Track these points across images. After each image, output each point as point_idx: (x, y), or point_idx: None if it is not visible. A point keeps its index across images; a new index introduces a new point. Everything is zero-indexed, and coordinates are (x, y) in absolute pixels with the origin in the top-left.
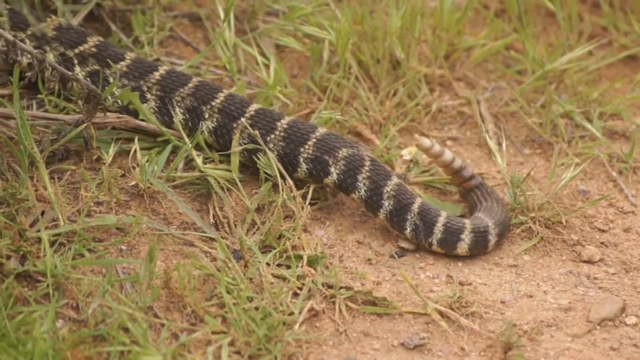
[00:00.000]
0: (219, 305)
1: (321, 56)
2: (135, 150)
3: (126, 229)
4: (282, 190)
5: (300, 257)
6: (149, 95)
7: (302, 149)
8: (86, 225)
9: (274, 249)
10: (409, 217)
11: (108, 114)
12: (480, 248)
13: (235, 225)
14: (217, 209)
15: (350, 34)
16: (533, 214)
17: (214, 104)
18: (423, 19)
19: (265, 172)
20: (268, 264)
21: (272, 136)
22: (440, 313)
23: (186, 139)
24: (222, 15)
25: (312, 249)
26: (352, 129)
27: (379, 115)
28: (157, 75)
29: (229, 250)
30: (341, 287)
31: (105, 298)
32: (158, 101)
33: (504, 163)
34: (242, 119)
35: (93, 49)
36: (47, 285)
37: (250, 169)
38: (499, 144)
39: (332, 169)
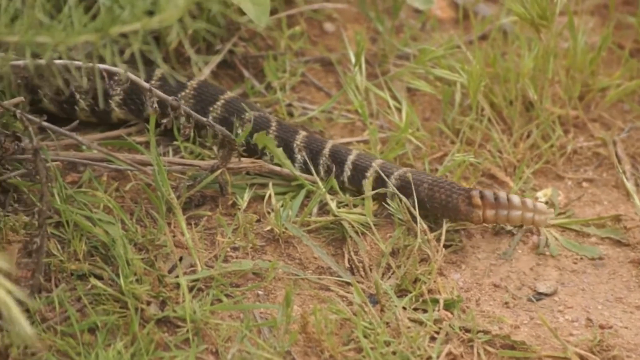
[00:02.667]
0: (356, 349)
1: (453, 99)
2: (269, 195)
3: (263, 274)
4: (419, 234)
5: (436, 301)
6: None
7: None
8: (223, 271)
9: (410, 292)
10: (322, 161)
11: (242, 159)
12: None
13: (371, 270)
14: (352, 253)
15: (482, 76)
16: None
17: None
18: (556, 59)
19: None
20: (404, 308)
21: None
22: (581, 357)
23: (320, 184)
24: (353, 59)
25: (448, 293)
26: (485, 171)
27: (513, 157)
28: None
29: (365, 294)
30: (479, 331)
31: (244, 343)
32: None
33: None
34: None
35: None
36: (187, 331)
37: (384, 212)
38: (637, 185)
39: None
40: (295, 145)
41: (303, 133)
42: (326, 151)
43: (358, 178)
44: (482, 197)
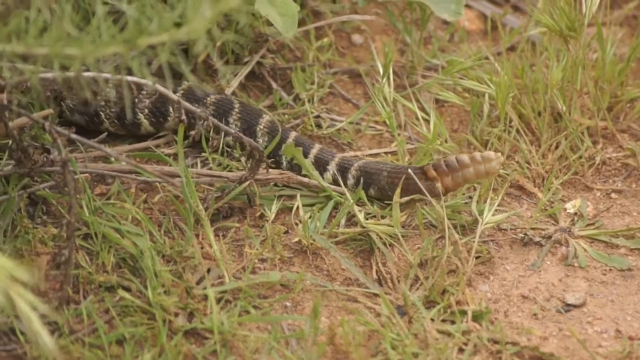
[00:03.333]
0: None
1: (481, 110)
2: (297, 207)
3: (290, 286)
4: (447, 245)
5: (464, 313)
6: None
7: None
8: (251, 282)
9: (438, 304)
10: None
11: (270, 170)
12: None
13: (399, 281)
14: (379, 264)
15: (511, 87)
16: None
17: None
18: (585, 70)
19: (433, 225)
20: (432, 320)
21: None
22: None
23: (348, 195)
24: (381, 71)
25: (476, 304)
26: (514, 183)
27: (541, 168)
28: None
29: (393, 305)
30: (507, 343)
31: (272, 355)
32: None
33: None
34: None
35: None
36: (215, 342)
37: (412, 223)
38: None
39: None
40: (258, 129)
41: (267, 117)
42: (290, 141)
43: (320, 171)
44: (435, 168)
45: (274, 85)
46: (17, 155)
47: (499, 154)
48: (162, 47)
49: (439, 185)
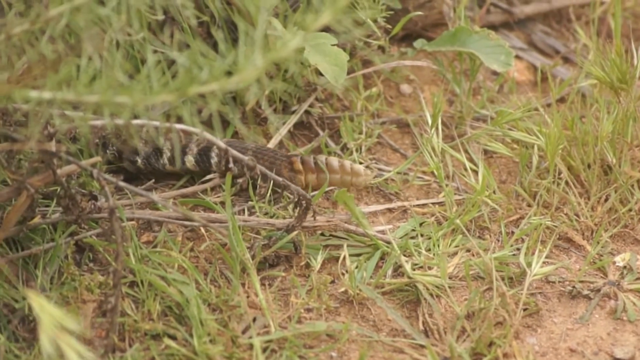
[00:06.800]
0: None
1: (530, 161)
2: (344, 257)
3: (336, 336)
4: (495, 296)
5: None
6: None
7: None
8: (297, 332)
9: (485, 356)
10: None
11: (317, 217)
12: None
13: (445, 332)
14: (426, 315)
15: (560, 139)
16: None
17: None
18: (635, 123)
19: (480, 277)
20: None
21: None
22: None
23: (395, 246)
24: (429, 121)
25: (524, 357)
26: (562, 235)
27: (590, 221)
28: None
29: (439, 357)
30: None
31: None
32: None
33: None
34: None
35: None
36: None
37: (460, 274)
38: None
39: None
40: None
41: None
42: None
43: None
44: (302, 162)
45: (322, 134)
46: (65, 203)
47: (369, 171)
48: (212, 96)
49: (302, 178)
